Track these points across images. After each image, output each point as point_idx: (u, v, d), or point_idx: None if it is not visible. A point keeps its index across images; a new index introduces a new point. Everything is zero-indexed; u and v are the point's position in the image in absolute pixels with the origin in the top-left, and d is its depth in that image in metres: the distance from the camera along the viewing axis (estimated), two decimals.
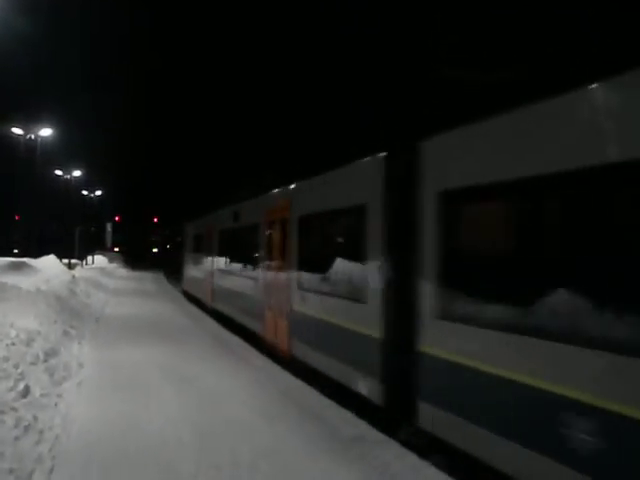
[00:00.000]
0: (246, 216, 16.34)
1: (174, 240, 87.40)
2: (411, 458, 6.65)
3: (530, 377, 5.12)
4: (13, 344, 10.04)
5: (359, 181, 8.74)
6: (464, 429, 5.96)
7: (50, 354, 10.62)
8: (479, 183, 5.94)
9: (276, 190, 13.35)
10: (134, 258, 74.78)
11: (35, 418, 7.23)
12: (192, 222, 28.26)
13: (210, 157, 65.61)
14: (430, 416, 6.59)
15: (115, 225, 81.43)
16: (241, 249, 16.97)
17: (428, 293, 6.66)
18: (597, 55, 5.28)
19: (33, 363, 9.65)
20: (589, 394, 4.54)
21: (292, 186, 12.10)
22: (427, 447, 6.78)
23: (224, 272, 19.06)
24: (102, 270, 42.00)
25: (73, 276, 26.25)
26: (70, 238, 45.49)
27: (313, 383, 10.00)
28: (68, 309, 16.62)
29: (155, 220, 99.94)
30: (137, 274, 49.76)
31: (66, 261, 36.99)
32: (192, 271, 26.88)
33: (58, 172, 51.18)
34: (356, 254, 8.54)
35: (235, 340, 15.19)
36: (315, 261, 10.39)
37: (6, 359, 9.07)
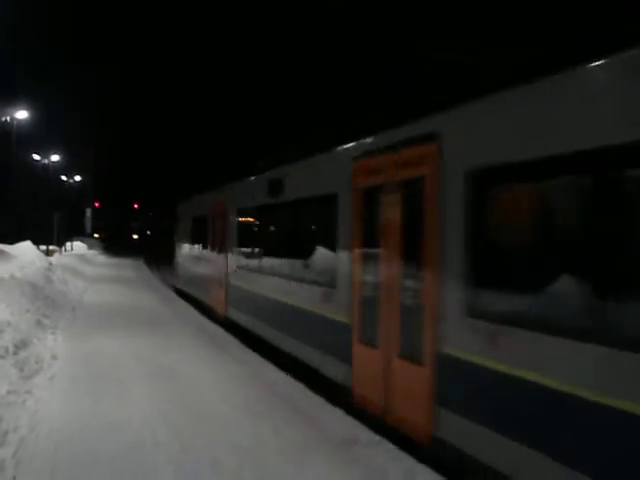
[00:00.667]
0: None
1: (154, 226, 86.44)
2: (408, 462, 6.17)
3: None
4: None
5: None
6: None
7: (20, 346, 10.01)
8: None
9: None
10: (114, 245, 73.69)
11: None
12: (190, 201, 22.28)
13: (190, 141, 64.74)
14: None
15: (95, 211, 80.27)
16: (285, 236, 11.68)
17: None
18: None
19: (1, 356, 9.05)
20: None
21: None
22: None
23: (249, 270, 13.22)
24: (81, 257, 41.17)
25: (50, 263, 25.48)
26: (49, 224, 44.51)
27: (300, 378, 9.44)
28: (43, 297, 15.92)
29: (136, 206, 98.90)
30: (117, 261, 48.81)
31: (44, 247, 36.12)
32: (191, 265, 21.02)
33: (36, 156, 50.06)
34: None
35: (220, 332, 14.54)
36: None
37: None
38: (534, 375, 4.75)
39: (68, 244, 49.90)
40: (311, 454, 6.27)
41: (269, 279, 11.59)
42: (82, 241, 61.34)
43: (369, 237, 7.66)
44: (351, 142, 8.47)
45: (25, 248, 28.20)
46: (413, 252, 6.64)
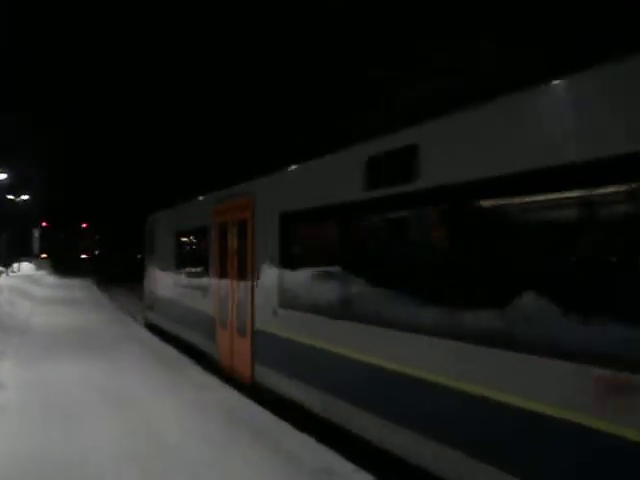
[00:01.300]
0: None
1: (103, 246, 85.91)
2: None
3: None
4: None
5: None
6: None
7: None
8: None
9: None
10: (62, 265, 71.60)
11: None
12: (173, 212, 17.18)
13: (142, 160, 63.60)
14: None
15: (43, 230, 77.98)
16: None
17: None
18: None
19: None
20: None
21: None
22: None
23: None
24: (29, 277, 39.77)
25: None
26: None
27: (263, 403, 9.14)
28: None
29: (84, 225, 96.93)
30: (66, 281, 47.26)
31: None
32: (175, 294, 15.93)
33: None
34: None
35: (173, 353, 13.93)
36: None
37: None
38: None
39: (15, 265, 48.44)
40: None
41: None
42: (30, 261, 59.54)
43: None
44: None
45: None
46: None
